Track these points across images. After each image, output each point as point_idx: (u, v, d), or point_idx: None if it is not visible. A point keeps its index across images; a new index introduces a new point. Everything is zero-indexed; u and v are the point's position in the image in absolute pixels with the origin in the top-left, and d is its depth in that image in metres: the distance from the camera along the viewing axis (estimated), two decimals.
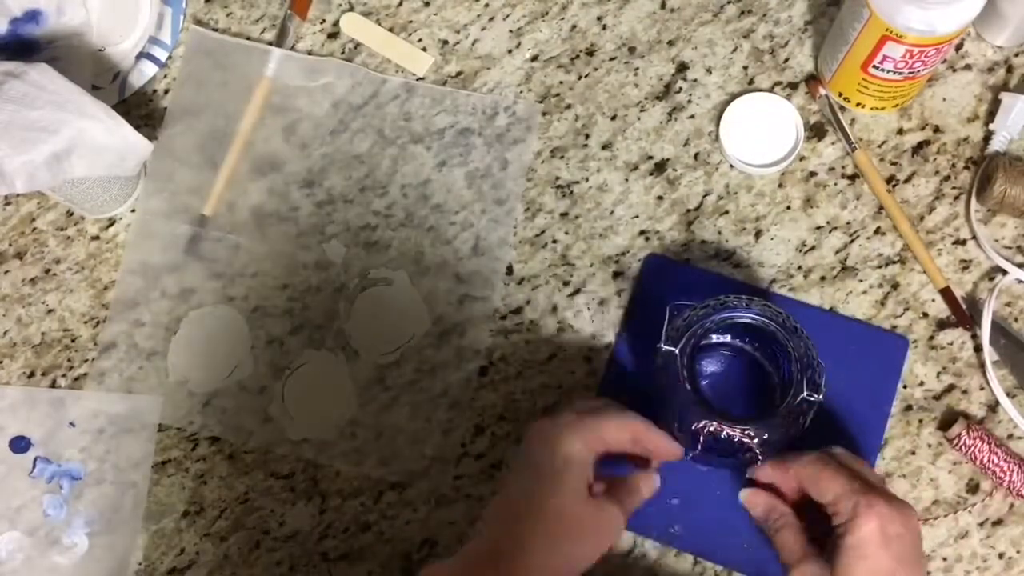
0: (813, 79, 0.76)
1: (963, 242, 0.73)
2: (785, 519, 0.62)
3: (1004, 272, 0.71)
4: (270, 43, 0.79)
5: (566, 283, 0.74)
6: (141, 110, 0.79)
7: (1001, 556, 0.68)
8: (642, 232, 0.74)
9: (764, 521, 0.63)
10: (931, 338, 0.72)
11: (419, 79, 0.78)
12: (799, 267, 0.73)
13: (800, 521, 0.62)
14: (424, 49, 0.79)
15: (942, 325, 0.72)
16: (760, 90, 0.76)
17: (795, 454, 0.62)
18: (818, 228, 0.74)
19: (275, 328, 0.74)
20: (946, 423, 0.70)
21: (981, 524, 0.68)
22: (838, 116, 0.74)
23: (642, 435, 0.63)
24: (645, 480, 0.65)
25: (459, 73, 0.78)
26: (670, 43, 0.78)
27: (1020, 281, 0.72)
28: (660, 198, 0.75)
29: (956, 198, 0.74)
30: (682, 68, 0.78)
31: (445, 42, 0.79)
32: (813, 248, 0.74)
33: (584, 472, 0.60)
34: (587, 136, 0.77)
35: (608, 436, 0.62)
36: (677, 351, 0.62)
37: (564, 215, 0.75)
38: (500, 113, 0.77)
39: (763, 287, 0.73)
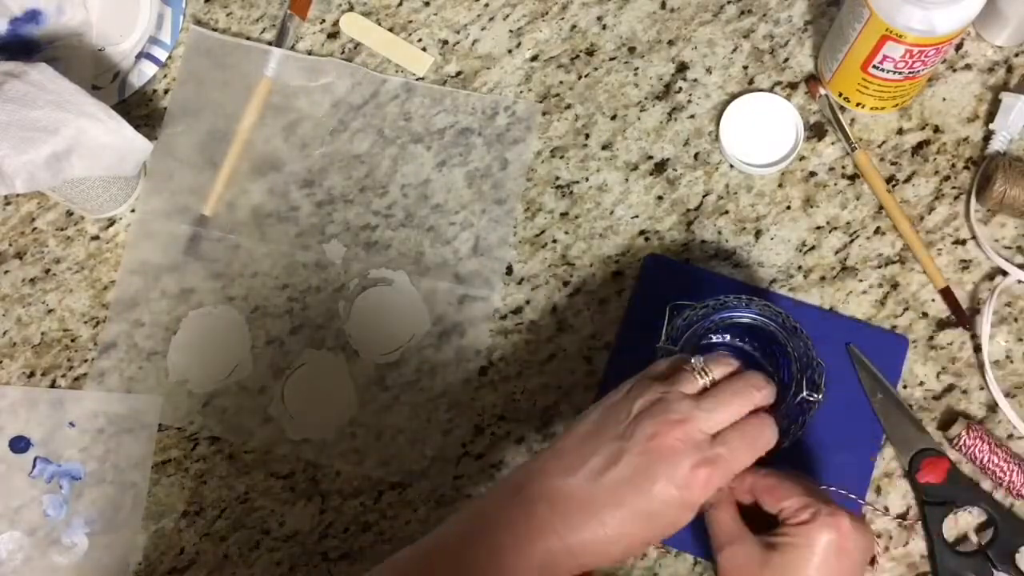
0: (813, 79, 0.76)
1: (963, 242, 0.73)
2: (722, 495, 0.60)
3: (1004, 273, 0.71)
4: (270, 43, 0.79)
5: (566, 283, 0.74)
6: (141, 110, 0.79)
7: None
8: (642, 232, 0.74)
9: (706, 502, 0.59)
10: (931, 338, 0.72)
11: (419, 79, 0.78)
12: (799, 267, 0.73)
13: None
14: (424, 49, 0.79)
15: (942, 325, 0.72)
16: (760, 90, 0.76)
17: (752, 472, 0.59)
18: (818, 228, 0.74)
19: (275, 328, 0.74)
20: (946, 423, 0.70)
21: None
22: (838, 116, 0.74)
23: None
24: (758, 424, 0.57)
25: (459, 73, 0.78)
26: (670, 43, 0.78)
27: (1020, 282, 0.71)
28: (660, 198, 0.75)
29: (956, 198, 0.74)
30: (682, 68, 0.78)
31: (445, 42, 0.79)
32: (813, 248, 0.74)
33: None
34: (587, 136, 0.77)
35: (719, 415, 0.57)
36: (677, 351, 0.62)
37: (564, 215, 0.75)
38: (500, 113, 0.77)
39: (763, 287, 0.73)
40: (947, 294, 0.72)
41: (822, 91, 0.75)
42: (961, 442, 0.68)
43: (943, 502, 0.67)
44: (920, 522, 0.68)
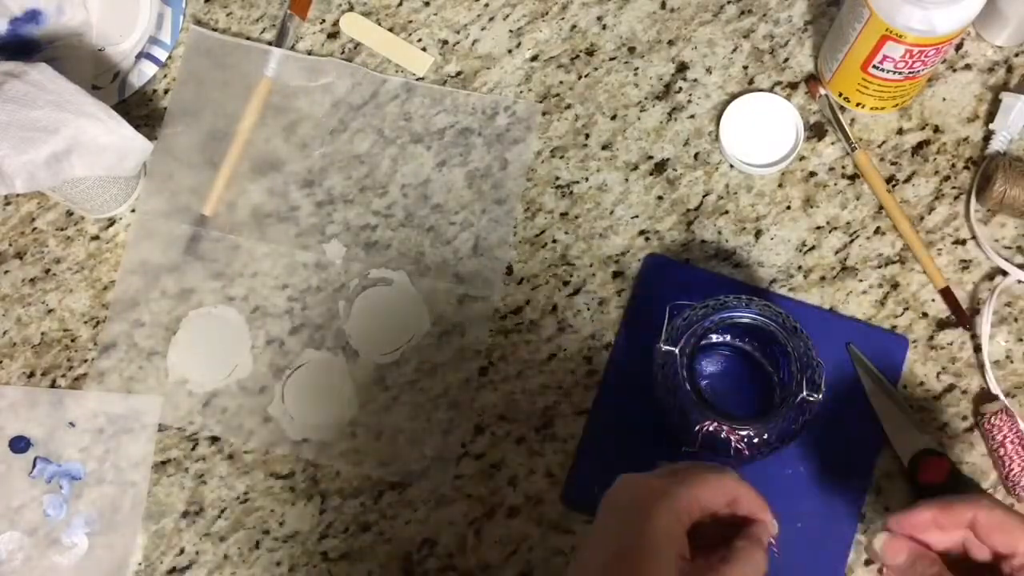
0: (813, 79, 0.76)
1: (963, 242, 0.73)
2: (938, 569, 0.52)
3: (1004, 273, 0.71)
4: (270, 43, 0.79)
5: (566, 283, 0.74)
6: (141, 110, 0.79)
7: None
8: (642, 232, 0.74)
9: (906, 571, 0.53)
10: (931, 338, 0.72)
11: (419, 79, 0.78)
12: (799, 267, 0.73)
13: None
14: (424, 49, 0.79)
15: (942, 325, 0.72)
16: (760, 90, 0.76)
17: (955, 498, 0.53)
18: (818, 228, 0.74)
19: (275, 328, 0.74)
20: (981, 399, 0.70)
21: None
22: (838, 116, 0.74)
23: (742, 496, 0.54)
24: (759, 535, 0.53)
25: (459, 73, 0.78)
26: (670, 43, 0.78)
27: (1020, 282, 0.71)
28: (660, 198, 0.75)
29: (956, 198, 0.74)
30: (682, 68, 0.78)
31: (445, 42, 0.79)
32: (813, 248, 0.74)
33: (676, 550, 0.51)
34: (587, 136, 0.77)
35: (704, 499, 0.53)
36: (677, 351, 0.62)
37: (564, 215, 0.75)
38: (500, 113, 0.77)
39: (763, 287, 0.73)
40: (947, 294, 0.72)
41: (822, 91, 0.75)
42: (990, 420, 0.68)
43: None
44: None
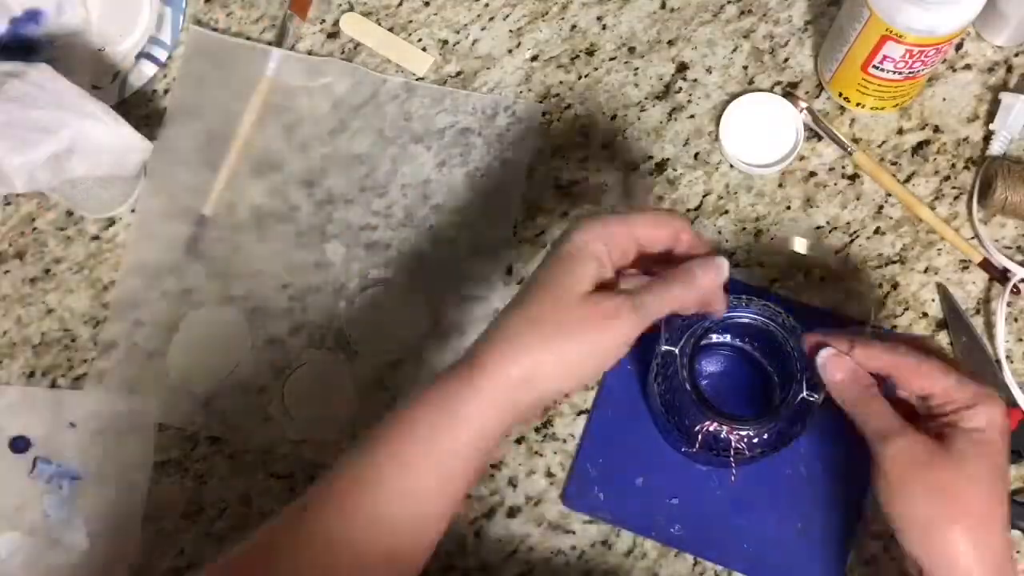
0: (792, 95, 0.75)
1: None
2: (875, 389, 0.55)
3: (1007, 273, 0.71)
4: (270, 43, 0.79)
5: None
6: (141, 110, 0.79)
7: None
8: None
9: (849, 388, 0.56)
10: (931, 338, 0.71)
11: (419, 79, 0.78)
12: (799, 267, 0.73)
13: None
14: (424, 49, 0.79)
15: (942, 325, 0.72)
16: (760, 90, 0.76)
17: (877, 342, 0.55)
18: (818, 228, 0.74)
19: (275, 328, 0.74)
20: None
21: None
22: (825, 125, 0.74)
23: (683, 234, 0.53)
24: (702, 265, 0.53)
25: (459, 73, 0.78)
26: (670, 43, 0.78)
27: (1022, 281, 0.71)
28: (660, 198, 0.75)
29: (956, 198, 0.74)
30: (682, 68, 0.78)
31: (445, 42, 0.79)
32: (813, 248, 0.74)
33: (591, 263, 0.51)
34: (587, 136, 0.77)
35: (638, 228, 0.52)
36: (677, 351, 0.62)
37: (564, 215, 0.75)
38: (500, 113, 0.77)
39: (763, 287, 0.73)
40: (986, 265, 0.72)
41: (803, 104, 0.75)
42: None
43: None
44: None
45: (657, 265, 0.55)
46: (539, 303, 0.51)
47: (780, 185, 0.75)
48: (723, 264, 0.54)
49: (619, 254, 0.53)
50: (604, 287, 0.52)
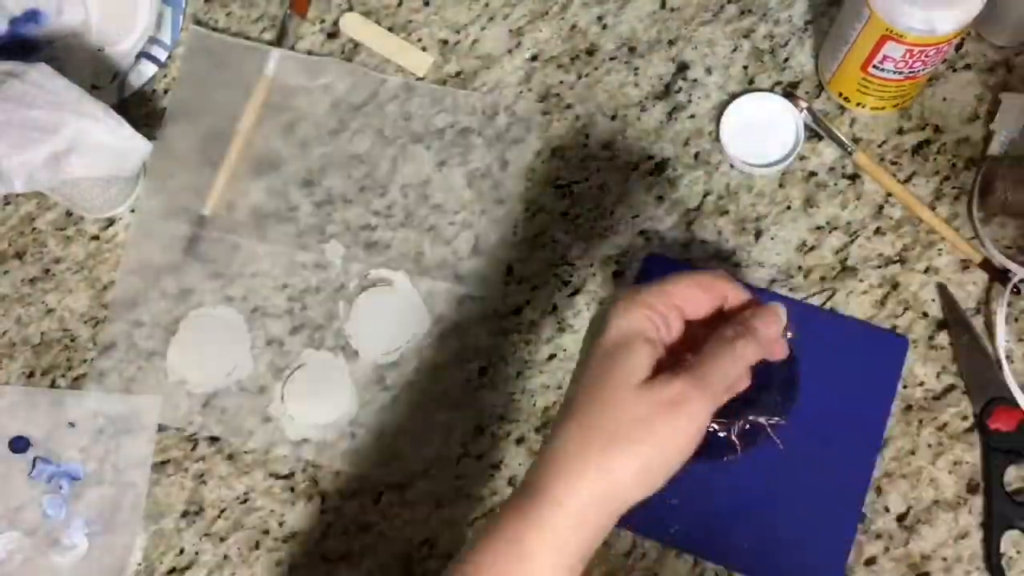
0: (792, 95, 0.75)
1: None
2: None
3: (1007, 273, 0.71)
4: (270, 43, 0.79)
5: (566, 283, 0.74)
6: (141, 110, 0.79)
7: (1001, 556, 0.68)
8: (642, 232, 0.74)
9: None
10: (931, 338, 0.71)
11: (419, 79, 0.78)
12: (799, 267, 0.73)
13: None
14: (424, 49, 0.79)
15: (942, 325, 0.72)
16: (760, 90, 0.76)
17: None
18: (818, 228, 0.74)
19: (275, 328, 0.74)
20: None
21: (981, 524, 0.68)
22: (826, 125, 0.74)
23: (730, 293, 0.49)
24: (760, 318, 0.49)
25: (459, 73, 0.78)
26: (670, 43, 0.78)
27: (1022, 280, 0.71)
28: (660, 198, 0.75)
29: (956, 198, 0.74)
30: (682, 68, 0.78)
31: (445, 42, 0.79)
32: (813, 248, 0.73)
33: (641, 349, 0.46)
34: (587, 136, 0.77)
35: (678, 297, 0.48)
36: None
37: (564, 215, 0.75)
38: (500, 113, 0.77)
39: (763, 287, 0.73)
40: (986, 265, 0.72)
41: (803, 104, 0.75)
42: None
43: (1009, 450, 0.68)
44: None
45: (703, 329, 0.50)
46: (596, 409, 0.46)
47: (780, 185, 0.75)
48: (781, 311, 0.51)
49: (666, 330, 0.48)
50: (657, 370, 0.47)
